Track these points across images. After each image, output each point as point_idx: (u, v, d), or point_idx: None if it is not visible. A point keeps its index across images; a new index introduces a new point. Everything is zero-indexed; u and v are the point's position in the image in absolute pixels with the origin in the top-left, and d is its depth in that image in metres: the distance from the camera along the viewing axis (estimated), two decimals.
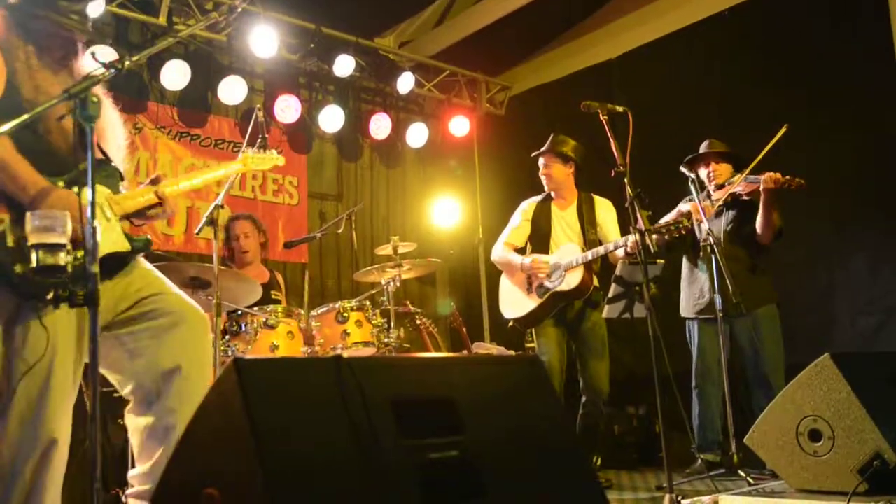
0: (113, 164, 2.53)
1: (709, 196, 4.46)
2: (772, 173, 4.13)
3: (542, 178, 4.71)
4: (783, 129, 4.11)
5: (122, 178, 2.55)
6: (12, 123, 2.08)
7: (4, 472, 2.19)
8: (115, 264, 2.42)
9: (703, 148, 4.55)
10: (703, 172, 4.53)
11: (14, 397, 2.19)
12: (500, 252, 4.78)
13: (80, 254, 2.14)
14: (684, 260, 4.60)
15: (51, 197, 2.24)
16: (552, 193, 4.73)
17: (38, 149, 2.29)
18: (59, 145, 2.34)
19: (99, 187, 2.36)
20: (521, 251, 4.76)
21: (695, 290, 4.49)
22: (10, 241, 2.19)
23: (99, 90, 2.31)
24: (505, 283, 4.78)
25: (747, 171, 4.24)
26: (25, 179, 2.23)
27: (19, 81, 2.29)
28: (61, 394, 2.26)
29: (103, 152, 2.51)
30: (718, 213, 4.47)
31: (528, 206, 4.80)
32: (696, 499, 3.17)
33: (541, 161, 4.71)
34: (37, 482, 2.22)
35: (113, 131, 2.60)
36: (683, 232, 3.88)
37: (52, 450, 2.24)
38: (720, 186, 4.41)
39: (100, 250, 2.14)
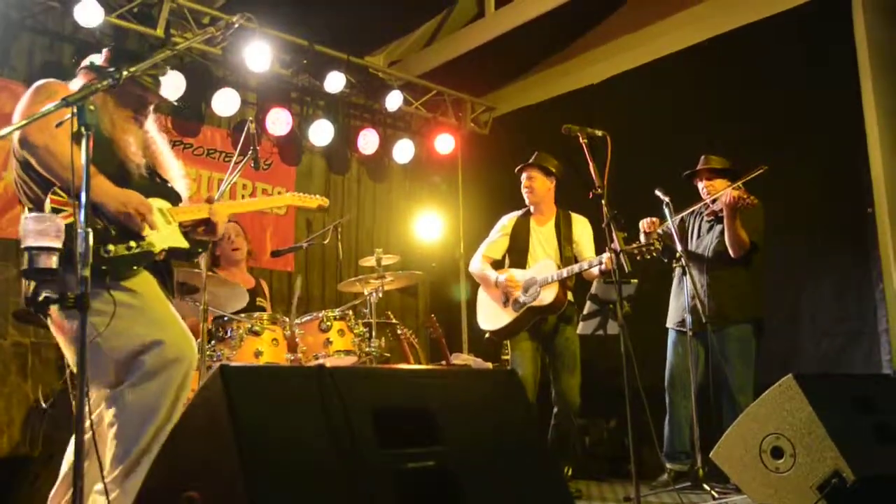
0: (171, 185, 2.91)
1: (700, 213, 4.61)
2: (732, 191, 4.25)
3: (524, 191, 4.76)
4: (761, 169, 4.20)
5: (180, 200, 2.88)
6: (16, 126, 2.30)
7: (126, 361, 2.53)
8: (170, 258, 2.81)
9: (699, 164, 4.64)
10: (699, 187, 4.63)
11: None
12: (478, 265, 4.84)
13: (132, 244, 2.58)
14: (675, 272, 4.65)
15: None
16: (532, 208, 4.80)
17: (116, 175, 2.62)
18: (133, 172, 2.70)
19: (160, 200, 2.77)
20: (499, 264, 4.81)
21: (679, 302, 4.58)
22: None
23: (155, 130, 2.88)
24: (482, 295, 4.83)
25: (719, 194, 4.38)
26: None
27: (98, 114, 2.55)
28: (162, 314, 2.66)
29: (162, 179, 2.90)
30: (709, 230, 4.57)
31: (508, 220, 4.86)
32: None
33: (524, 175, 4.77)
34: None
35: (170, 164, 2.94)
36: (654, 254, 3.98)
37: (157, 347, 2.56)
38: (714, 202, 4.51)
39: (163, 244, 2.68)
